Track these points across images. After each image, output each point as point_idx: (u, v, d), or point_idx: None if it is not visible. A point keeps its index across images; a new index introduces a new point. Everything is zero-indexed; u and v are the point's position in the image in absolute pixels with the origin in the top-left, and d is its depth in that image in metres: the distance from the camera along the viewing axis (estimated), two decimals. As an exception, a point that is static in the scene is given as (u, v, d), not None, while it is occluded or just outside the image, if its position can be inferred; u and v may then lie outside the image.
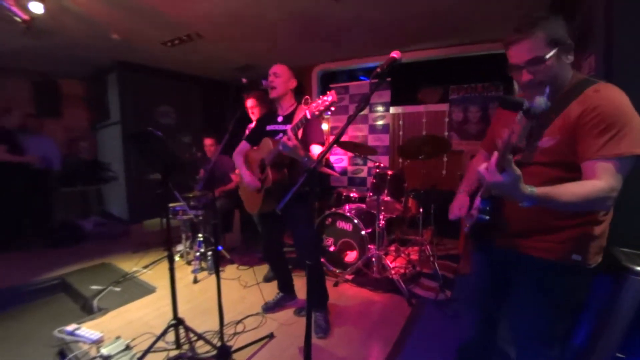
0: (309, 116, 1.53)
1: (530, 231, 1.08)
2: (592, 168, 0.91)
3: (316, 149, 1.88)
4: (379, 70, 1.12)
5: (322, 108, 1.46)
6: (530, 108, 0.76)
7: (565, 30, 0.97)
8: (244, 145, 2.21)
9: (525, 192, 0.84)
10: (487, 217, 1.09)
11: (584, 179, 0.92)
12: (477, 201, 1.16)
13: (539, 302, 1.10)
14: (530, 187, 0.85)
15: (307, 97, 1.92)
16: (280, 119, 2.07)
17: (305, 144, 1.89)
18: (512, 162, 0.81)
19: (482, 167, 0.89)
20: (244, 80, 1.96)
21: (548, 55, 0.95)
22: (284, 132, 1.70)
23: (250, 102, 2.85)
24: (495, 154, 0.84)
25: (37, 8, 2.52)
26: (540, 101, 0.74)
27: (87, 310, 2.49)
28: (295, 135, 1.66)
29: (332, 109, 1.48)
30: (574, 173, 0.95)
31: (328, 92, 1.48)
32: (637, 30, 1.47)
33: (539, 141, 1.01)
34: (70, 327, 2.05)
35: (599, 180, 0.88)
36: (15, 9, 2.46)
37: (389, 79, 4.31)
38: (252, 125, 2.62)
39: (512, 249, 1.14)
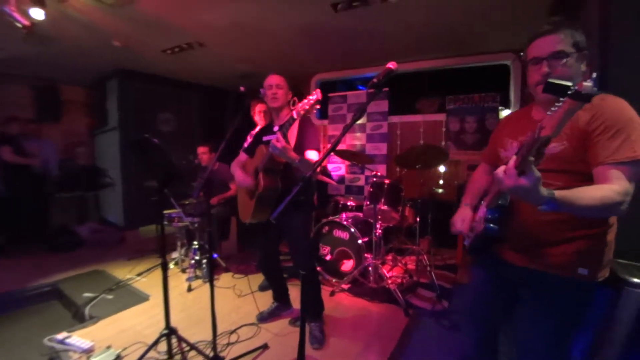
0: (295, 116, 1.57)
1: (537, 243, 1.07)
2: (606, 173, 0.91)
3: (311, 154, 1.88)
4: (375, 80, 1.13)
5: (307, 107, 1.50)
6: (579, 90, 0.67)
7: (585, 41, 1.01)
8: (241, 156, 2.23)
9: (544, 195, 0.81)
10: (496, 227, 1.06)
11: (596, 184, 0.92)
12: (482, 211, 1.14)
13: (545, 317, 1.08)
14: (548, 190, 0.82)
15: (294, 98, 1.95)
16: (276, 128, 2.08)
17: (301, 149, 1.89)
18: (532, 163, 0.78)
19: (500, 170, 0.86)
20: (242, 88, 1.97)
21: (570, 52, 0.99)
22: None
23: (260, 107, 2.90)
24: (514, 157, 0.82)
25: (38, 14, 2.54)
26: (588, 84, 0.68)
27: (79, 318, 2.44)
28: (284, 136, 1.68)
29: (318, 107, 1.52)
30: (581, 183, 0.94)
31: (313, 92, 1.51)
32: (632, 43, 1.50)
33: (546, 147, 1.01)
34: (60, 336, 2.01)
35: (614, 185, 0.88)
36: (16, 14, 2.48)
37: (386, 89, 4.34)
38: (255, 131, 2.63)
39: (517, 262, 1.12)
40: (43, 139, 4.39)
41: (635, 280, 1.22)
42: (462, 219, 1.27)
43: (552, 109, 0.72)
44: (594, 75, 0.72)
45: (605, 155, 0.92)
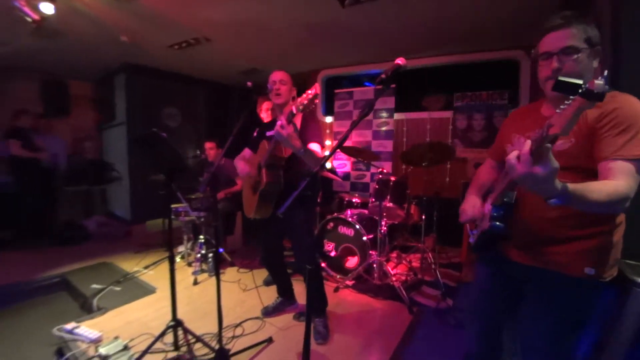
0: (294, 111, 1.58)
1: (541, 241, 1.06)
2: (610, 168, 0.90)
3: (314, 146, 1.87)
4: (383, 76, 1.12)
5: (305, 101, 1.50)
6: (591, 89, 0.64)
7: (598, 37, 1.00)
8: (246, 152, 2.23)
9: (558, 187, 0.77)
10: (502, 225, 1.05)
11: (600, 180, 0.91)
12: (487, 209, 1.13)
13: (544, 315, 1.08)
14: (562, 183, 0.78)
15: (294, 94, 1.95)
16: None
17: (303, 143, 1.89)
18: (550, 151, 0.73)
19: (513, 155, 0.80)
20: (249, 83, 1.97)
21: (582, 48, 0.97)
22: None
23: (267, 104, 2.91)
24: (528, 142, 0.77)
25: (47, 9, 2.56)
26: (600, 82, 0.64)
27: (87, 309, 2.49)
28: (290, 123, 1.67)
29: (316, 101, 1.53)
30: (587, 179, 0.91)
31: (312, 87, 1.52)
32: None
33: (554, 144, 1.00)
34: (69, 326, 2.05)
35: (619, 180, 0.87)
36: (26, 9, 2.50)
37: (393, 86, 4.32)
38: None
39: (521, 260, 1.12)
40: (51, 136, 4.45)
41: (644, 281, 1.21)
42: (472, 206, 1.24)
43: (562, 106, 0.70)
44: (605, 72, 0.69)
45: (610, 150, 0.90)
